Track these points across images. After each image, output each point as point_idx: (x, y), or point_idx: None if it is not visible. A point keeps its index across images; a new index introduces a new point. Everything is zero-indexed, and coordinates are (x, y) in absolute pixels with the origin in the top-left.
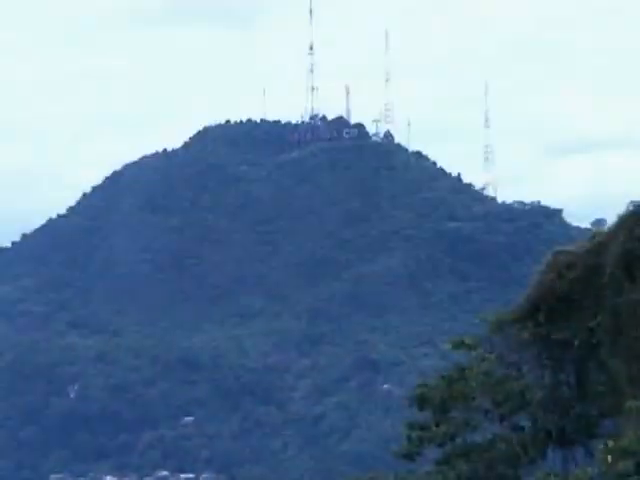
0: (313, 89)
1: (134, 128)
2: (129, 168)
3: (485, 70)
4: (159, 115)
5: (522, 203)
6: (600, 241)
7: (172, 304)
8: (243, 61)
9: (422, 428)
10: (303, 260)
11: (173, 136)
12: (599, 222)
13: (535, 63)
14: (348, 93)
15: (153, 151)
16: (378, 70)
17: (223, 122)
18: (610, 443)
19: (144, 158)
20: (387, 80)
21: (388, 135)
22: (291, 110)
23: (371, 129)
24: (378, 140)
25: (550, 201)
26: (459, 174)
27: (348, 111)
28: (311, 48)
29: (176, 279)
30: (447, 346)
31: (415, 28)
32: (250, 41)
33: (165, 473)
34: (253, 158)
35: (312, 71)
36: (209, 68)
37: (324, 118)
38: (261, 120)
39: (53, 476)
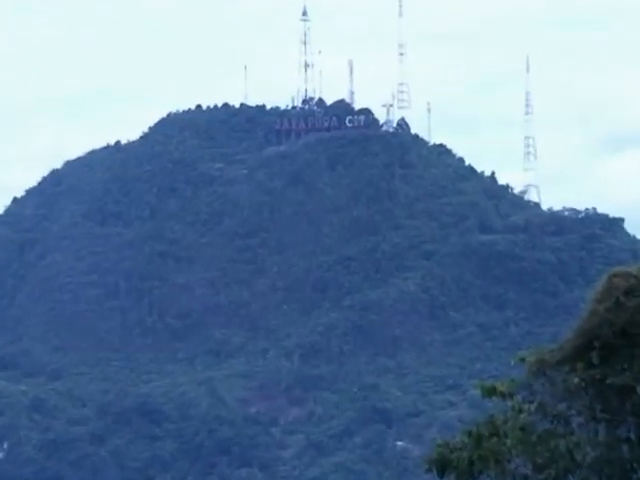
0: (307, 65)
1: (79, 115)
2: (72, 166)
3: (526, 41)
4: (110, 99)
5: (573, 210)
6: None
7: (127, 338)
8: (218, 29)
9: None
10: (294, 283)
11: (128, 125)
12: None
13: (589, 33)
14: (351, 70)
15: (103, 144)
16: (389, 41)
17: (192, 107)
18: None
19: (91, 153)
20: (401, 54)
21: (402, 124)
22: (279, 92)
23: (381, 116)
24: (390, 130)
25: (609, 208)
26: (493, 173)
27: (351, 93)
28: (304, 13)
29: (132, 307)
30: (476, 393)
31: None
32: (227, 4)
33: None
34: (231, 153)
35: (305, 42)
36: (175, 38)
37: (321, 102)
38: (241, 105)
39: None
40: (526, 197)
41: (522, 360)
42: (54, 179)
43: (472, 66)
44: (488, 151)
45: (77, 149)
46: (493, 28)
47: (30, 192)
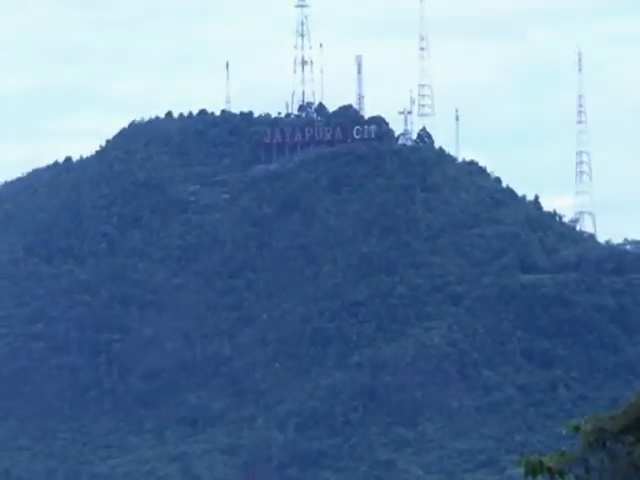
0: (304, 63)
1: (16, 124)
2: (10, 189)
3: (577, 32)
4: (58, 105)
5: (637, 244)
6: None
7: (79, 404)
8: (195, 19)
9: None
10: (289, 335)
11: (80, 137)
12: None
13: None
14: (360, 68)
15: (48, 162)
16: (407, 32)
17: (161, 115)
18: None
19: (34, 173)
20: (422, 49)
21: (424, 135)
22: (270, 96)
23: (397, 126)
24: (408, 144)
25: None
26: (537, 198)
27: (360, 98)
28: None
29: (86, 364)
30: (518, 470)
31: None
32: None
33: None
34: (209, 172)
35: (303, 34)
36: (138, 26)
37: (322, 108)
38: (222, 112)
39: None
40: (578, 227)
41: (576, 429)
42: None
43: (509, 62)
44: (531, 170)
45: (16, 168)
46: (536, 16)
47: None
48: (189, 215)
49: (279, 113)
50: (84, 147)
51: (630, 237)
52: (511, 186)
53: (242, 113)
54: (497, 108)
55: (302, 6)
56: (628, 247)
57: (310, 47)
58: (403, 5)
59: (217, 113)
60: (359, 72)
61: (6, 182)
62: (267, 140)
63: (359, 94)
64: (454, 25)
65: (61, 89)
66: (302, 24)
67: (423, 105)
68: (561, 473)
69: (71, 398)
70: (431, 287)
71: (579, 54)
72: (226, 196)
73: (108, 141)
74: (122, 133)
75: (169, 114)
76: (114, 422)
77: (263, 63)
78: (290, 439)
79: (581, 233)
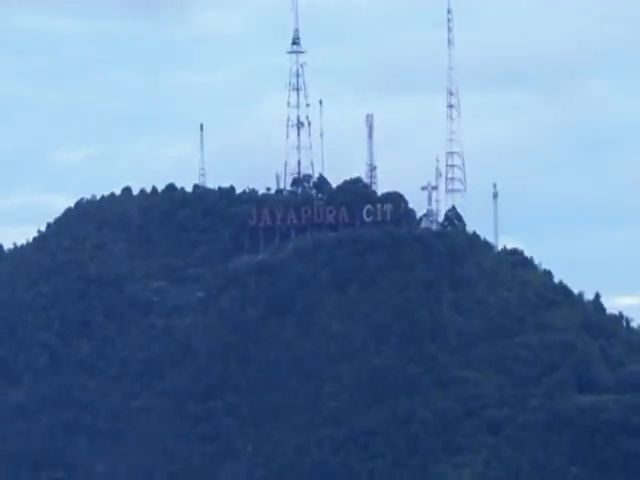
0: (300, 124)
1: None
2: None
3: None
4: None
5: None
6: None
7: None
8: (161, 67)
9: None
10: (281, 471)
11: (13, 220)
12: None
13: None
14: (371, 132)
15: None
16: (431, 85)
17: (116, 192)
18: None
19: None
20: (450, 106)
21: (453, 217)
22: (257, 167)
23: (419, 205)
24: (433, 228)
25: None
26: (598, 296)
27: (371, 168)
28: (295, 41)
29: None
30: None
31: None
32: (172, 30)
33: None
34: (178, 265)
35: (298, 88)
36: (89, 80)
37: (323, 182)
38: (195, 187)
39: None
40: None
41: None
42: None
43: (562, 124)
44: (591, 261)
45: None
46: (593, 63)
47: None
48: (153, 319)
49: (268, 189)
50: (18, 232)
51: None
52: (565, 281)
53: (220, 189)
54: (546, 180)
55: (297, 52)
56: None
57: (307, 104)
58: (426, 51)
59: (188, 189)
60: (370, 136)
61: None
62: (252, 223)
63: (370, 164)
64: (489, 76)
65: None
66: (297, 75)
67: (452, 178)
68: None
69: None
70: (462, 411)
71: None
72: (200, 295)
73: (49, 225)
74: (67, 214)
75: (127, 190)
76: None
77: (247, 125)
78: None
79: None
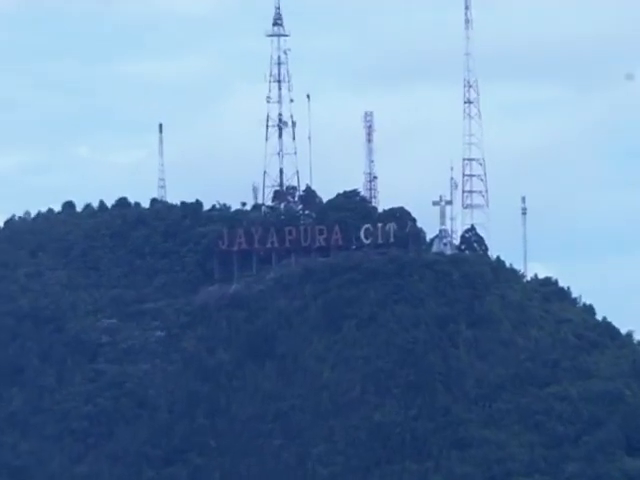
0: (283, 124)
1: None
2: None
3: None
4: None
5: None
6: None
7: None
8: (114, 52)
9: None
10: None
11: None
12: None
13: None
14: (370, 133)
15: None
16: (444, 76)
17: (56, 208)
18: None
19: None
20: (468, 102)
21: (472, 238)
22: (226, 176)
23: (430, 223)
24: (447, 252)
25: None
26: None
27: (371, 179)
28: (277, 22)
29: None
30: None
31: None
32: (124, 10)
33: None
34: (132, 297)
35: (280, 80)
36: (27, 75)
37: (310, 196)
38: (152, 202)
39: None
40: None
41: None
42: None
43: (603, 123)
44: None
45: None
46: (636, 42)
47: None
48: (101, 365)
49: (243, 204)
50: None
51: None
52: (609, 318)
53: (184, 204)
54: (585, 194)
55: (278, 35)
56: None
57: (291, 100)
58: (437, 34)
59: (144, 204)
60: (369, 139)
61: None
62: (223, 246)
63: (369, 174)
64: (515, 65)
65: None
66: (278, 63)
67: (470, 191)
68: None
69: None
70: (484, 476)
71: None
72: (160, 334)
73: None
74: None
75: (68, 206)
76: None
77: (216, 125)
78: None
79: None
